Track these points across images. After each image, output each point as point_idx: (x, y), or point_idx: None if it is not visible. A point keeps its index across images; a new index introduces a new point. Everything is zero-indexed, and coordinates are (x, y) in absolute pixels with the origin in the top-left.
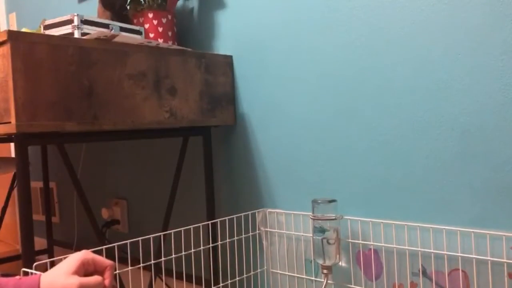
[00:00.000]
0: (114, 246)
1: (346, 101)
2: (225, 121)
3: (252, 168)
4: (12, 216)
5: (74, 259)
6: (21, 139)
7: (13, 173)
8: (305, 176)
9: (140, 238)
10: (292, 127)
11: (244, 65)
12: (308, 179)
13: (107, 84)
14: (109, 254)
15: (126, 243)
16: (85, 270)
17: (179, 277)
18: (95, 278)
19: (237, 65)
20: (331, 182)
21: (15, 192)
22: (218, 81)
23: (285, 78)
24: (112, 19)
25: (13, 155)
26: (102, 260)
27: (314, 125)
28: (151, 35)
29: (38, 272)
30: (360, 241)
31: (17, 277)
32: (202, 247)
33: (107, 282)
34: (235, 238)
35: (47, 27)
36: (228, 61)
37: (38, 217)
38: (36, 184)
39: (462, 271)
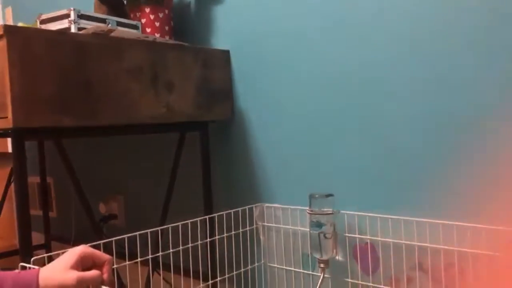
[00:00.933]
0: (112, 240)
1: (343, 96)
2: (222, 116)
3: (249, 163)
4: (10, 211)
5: (73, 253)
6: (18, 134)
7: (10, 168)
8: (302, 171)
9: (137, 233)
10: (289, 122)
11: (241, 60)
12: (305, 174)
13: (104, 79)
14: (107, 249)
15: (124, 238)
16: (83, 264)
17: (177, 271)
18: (93, 272)
19: (235, 60)
20: (328, 177)
21: (12, 187)
22: (215, 76)
23: (283, 73)
24: (109, 14)
25: (10, 150)
26: (101, 254)
27: (311, 120)
28: (148, 30)
29: (36, 267)
30: (357, 235)
31: (16, 271)
32: (199, 242)
33: (105, 276)
34: (233, 232)
35: (44, 21)
36: (225, 56)
37: (36, 212)
38: (33, 179)
39: (458, 265)
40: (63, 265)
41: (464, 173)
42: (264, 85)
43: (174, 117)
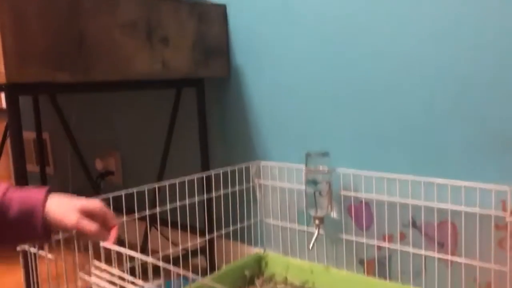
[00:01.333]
0: (109, 197)
1: (341, 53)
2: (219, 73)
3: (246, 120)
4: (6, 167)
5: (89, 202)
6: (12, 89)
7: (5, 123)
8: (299, 129)
9: (135, 189)
10: (286, 79)
11: (238, 15)
12: (302, 132)
13: (98, 33)
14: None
15: (121, 194)
16: (92, 218)
17: (174, 227)
18: (94, 226)
19: (231, 15)
20: (324, 135)
21: (8, 142)
22: (211, 31)
23: (280, 30)
24: None
25: (4, 106)
26: (112, 218)
27: (309, 78)
28: None
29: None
30: (352, 194)
31: (26, 189)
32: (196, 199)
33: (111, 239)
34: (229, 189)
35: None
36: (221, 10)
37: (32, 167)
38: (29, 135)
39: (451, 223)
40: (72, 204)
41: (459, 132)
42: (261, 41)
43: (169, 73)
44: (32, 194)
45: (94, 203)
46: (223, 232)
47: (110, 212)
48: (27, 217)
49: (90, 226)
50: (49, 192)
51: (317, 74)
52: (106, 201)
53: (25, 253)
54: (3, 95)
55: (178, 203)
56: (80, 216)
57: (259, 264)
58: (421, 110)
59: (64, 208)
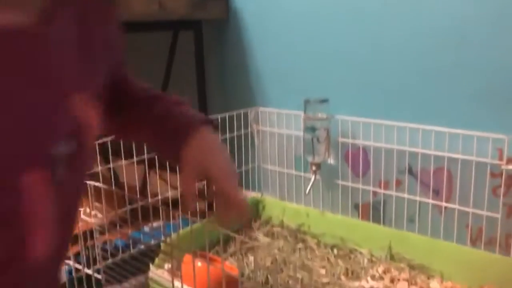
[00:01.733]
0: (108, 140)
1: (345, 1)
2: (217, 15)
3: (245, 65)
4: None
5: (218, 171)
6: None
7: None
8: (299, 75)
9: None
10: (287, 23)
11: None
12: (301, 78)
13: None
14: (103, 149)
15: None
16: (207, 179)
17: (173, 171)
18: (191, 207)
19: None
20: (324, 82)
21: None
22: None
23: None
24: None
25: None
26: (231, 192)
27: (311, 23)
28: None
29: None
30: (349, 140)
31: (193, 111)
32: None
33: (224, 220)
34: (227, 135)
35: None
36: None
37: None
38: None
39: (447, 170)
40: (203, 161)
41: (458, 83)
42: None
43: (166, 14)
44: (190, 121)
45: (222, 179)
46: None
47: (234, 190)
48: (172, 139)
49: (189, 204)
50: (203, 124)
51: (320, 21)
52: (102, 144)
53: None
54: None
55: None
56: (193, 186)
57: (256, 208)
58: (421, 61)
59: (193, 159)
